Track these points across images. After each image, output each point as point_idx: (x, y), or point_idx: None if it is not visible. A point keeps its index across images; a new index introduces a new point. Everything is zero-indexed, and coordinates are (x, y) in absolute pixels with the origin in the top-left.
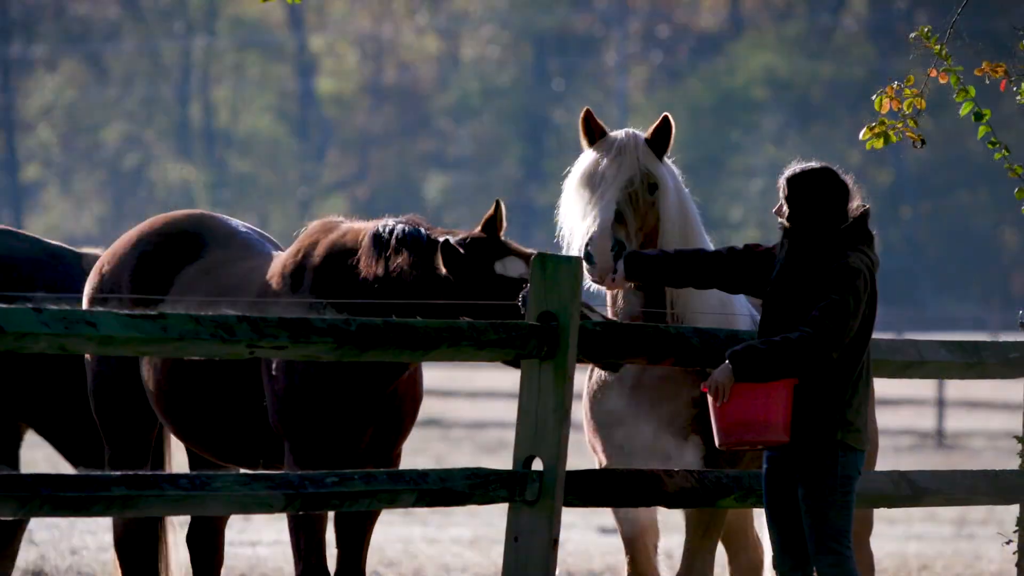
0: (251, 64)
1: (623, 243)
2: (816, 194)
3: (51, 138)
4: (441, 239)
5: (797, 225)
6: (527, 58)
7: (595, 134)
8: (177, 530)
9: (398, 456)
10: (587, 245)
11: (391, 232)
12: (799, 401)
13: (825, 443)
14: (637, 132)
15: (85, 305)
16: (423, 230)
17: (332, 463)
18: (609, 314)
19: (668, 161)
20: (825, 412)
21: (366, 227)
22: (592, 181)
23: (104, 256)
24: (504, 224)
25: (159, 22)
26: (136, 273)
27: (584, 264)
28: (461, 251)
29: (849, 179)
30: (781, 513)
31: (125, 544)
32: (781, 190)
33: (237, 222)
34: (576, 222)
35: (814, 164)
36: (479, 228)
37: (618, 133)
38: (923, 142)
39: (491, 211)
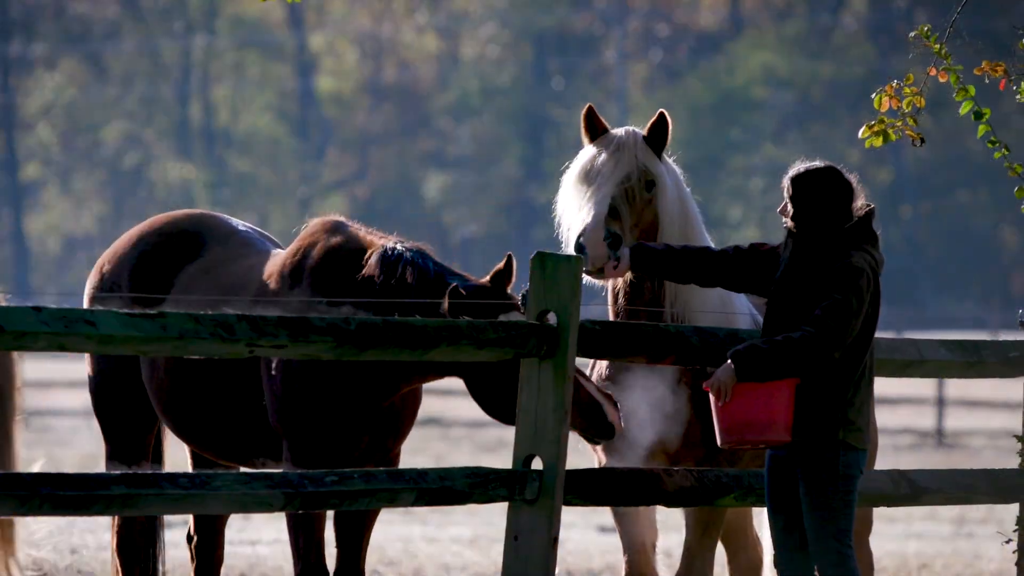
0: (251, 63)
1: (617, 235)
2: (820, 193)
3: (51, 137)
4: (451, 283)
5: (801, 224)
6: (527, 57)
7: (596, 131)
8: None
9: (397, 456)
10: (579, 236)
11: (399, 256)
12: (801, 400)
13: (827, 442)
14: (637, 130)
15: (86, 304)
16: (431, 264)
17: (330, 463)
18: (610, 313)
19: (669, 160)
20: (827, 411)
21: (371, 241)
22: (589, 176)
23: (105, 255)
24: (513, 279)
25: (159, 21)
26: (136, 272)
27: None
28: (466, 296)
29: (853, 178)
30: (782, 512)
31: (124, 544)
32: (785, 189)
33: (237, 221)
34: (572, 216)
35: (818, 163)
36: (487, 278)
37: (618, 131)
38: (922, 140)
39: (501, 264)
